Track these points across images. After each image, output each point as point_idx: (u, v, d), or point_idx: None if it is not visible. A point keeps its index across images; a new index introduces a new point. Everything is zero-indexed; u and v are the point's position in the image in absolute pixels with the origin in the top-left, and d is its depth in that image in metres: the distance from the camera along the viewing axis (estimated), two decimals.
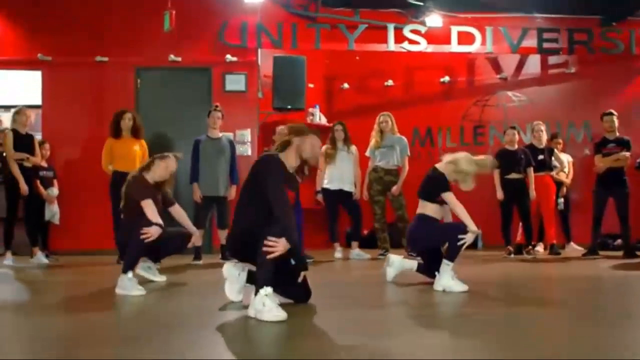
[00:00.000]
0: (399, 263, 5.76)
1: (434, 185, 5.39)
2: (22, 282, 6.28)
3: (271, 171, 3.99)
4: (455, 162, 5.38)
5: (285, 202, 3.93)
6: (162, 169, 5.68)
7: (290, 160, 4.17)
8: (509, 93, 10.89)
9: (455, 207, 5.28)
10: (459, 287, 5.05)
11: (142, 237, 5.11)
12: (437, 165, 5.46)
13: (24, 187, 7.74)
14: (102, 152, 7.98)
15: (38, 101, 9.47)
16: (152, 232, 5.14)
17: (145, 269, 5.79)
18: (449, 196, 5.30)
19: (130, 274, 5.02)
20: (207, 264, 7.73)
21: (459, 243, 5.13)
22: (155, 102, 9.44)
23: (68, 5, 9.48)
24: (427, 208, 5.42)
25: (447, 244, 5.26)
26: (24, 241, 8.10)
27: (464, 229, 5.13)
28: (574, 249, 9.56)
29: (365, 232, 9.47)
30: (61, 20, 9.42)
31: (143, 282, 5.42)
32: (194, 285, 5.72)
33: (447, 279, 5.11)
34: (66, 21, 9.42)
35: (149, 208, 5.30)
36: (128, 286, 4.96)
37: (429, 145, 10.88)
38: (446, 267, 5.14)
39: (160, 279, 5.80)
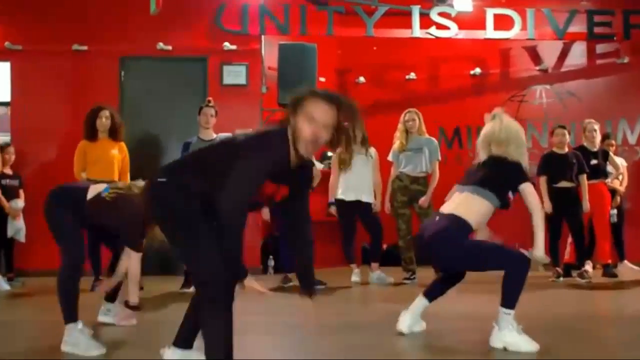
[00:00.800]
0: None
1: (512, 173, 4.04)
2: None
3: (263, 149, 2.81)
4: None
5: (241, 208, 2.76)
6: None
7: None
8: (550, 87, 9.56)
9: (536, 209, 4.02)
10: (527, 345, 3.72)
11: None
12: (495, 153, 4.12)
13: None
14: (74, 157, 6.82)
15: (6, 97, 8.38)
16: None
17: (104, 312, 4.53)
18: (529, 189, 4.01)
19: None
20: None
21: (520, 279, 3.79)
22: (142, 97, 8.41)
23: None
24: (473, 209, 3.95)
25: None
26: None
27: (524, 260, 3.80)
28: (629, 268, 8.31)
29: (385, 246, 8.16)
30: (34, 4, 8.32)
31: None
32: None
33: (512, 334, 3.78)
34: (39, 4, 8.31)
35: None
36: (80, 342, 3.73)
37: (457, 147, 9.64)
38: (506, 316, 3.80)
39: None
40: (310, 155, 2.93)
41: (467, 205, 3.96)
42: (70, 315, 3.82)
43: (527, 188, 3.99)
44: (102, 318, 4.53)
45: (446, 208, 4.04)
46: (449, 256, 3.94)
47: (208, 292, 2.73)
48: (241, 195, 2.73)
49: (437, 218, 4.02)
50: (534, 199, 4.03)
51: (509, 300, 3.79)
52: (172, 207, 2.84)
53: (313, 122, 2.81)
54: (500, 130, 4.16)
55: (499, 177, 4.03)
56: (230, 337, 2.75)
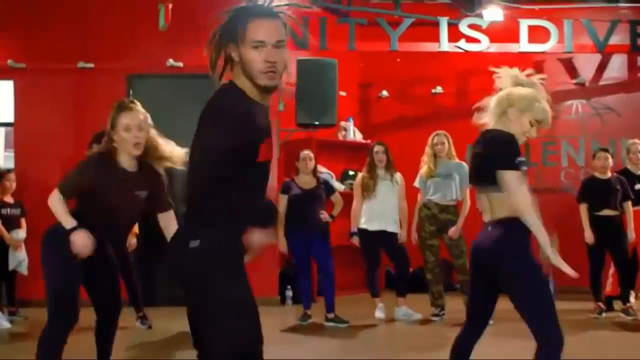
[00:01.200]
0: None
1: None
2: None
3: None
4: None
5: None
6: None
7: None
8: (587, 101, 9.00)
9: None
10: None
11: None
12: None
13: None
14: None
15: (9, 117, 8.04)
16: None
17: None
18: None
19: None
20: None
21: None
22: (152, 116, 7.76)
23: (44, 3, 8.02)
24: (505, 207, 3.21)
25: None
26: None
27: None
28: None
29: (411, 269, 7.65)
30: (37, 20, 7.96)
31: None
32: None
33: None
34: (43, 21, 7.95)
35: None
36: None
37: None
38: None
39: None
40: (276, 83, 2.44)
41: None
42: None
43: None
44: None
45: None
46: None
47: None
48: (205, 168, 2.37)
49: None
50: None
51: None
52: None
53: (261, 45, 2.38)
54: None
55: None
56: None
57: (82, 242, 3.45)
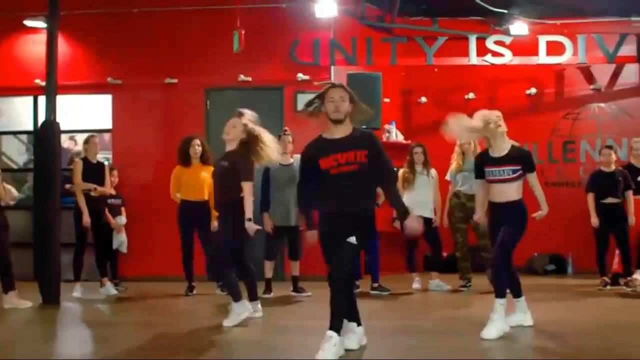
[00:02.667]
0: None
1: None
2: (90, 327, 6.06)
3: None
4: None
5: None
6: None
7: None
8: (603, 105, 10.05)
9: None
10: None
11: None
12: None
13: (86, 220, 7.65)
14: (171, 180, 7.78)
15: (109, 125, 9.44)
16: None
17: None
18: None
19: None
20: (277, 298, 7.40)
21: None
22: (225, 123, 9.07)
23: (136, 28, 9.35)
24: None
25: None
26: (95, 267, 8.10)
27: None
28: None
29: (445, 254, 8.84)
30: (130, 42, 9.33)
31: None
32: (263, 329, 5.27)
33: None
34: (135, 43, 9.32)
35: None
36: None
37: None
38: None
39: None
40: (339, 117, 4.21)
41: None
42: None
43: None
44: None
45: None
46: None
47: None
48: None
49: None
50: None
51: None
52: None
53: (333, 100, 4.22)
54: None
55: None
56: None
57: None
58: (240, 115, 5.93)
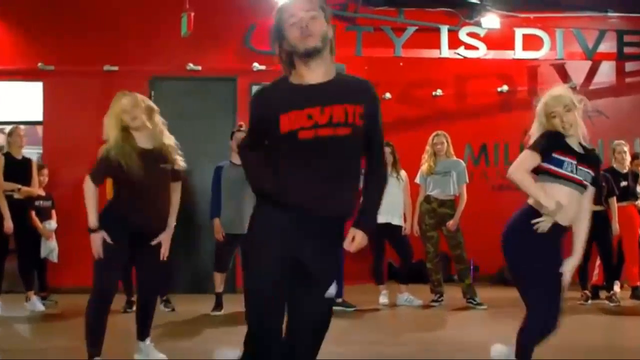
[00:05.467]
0: None
1: None
2: (4, 356, 5.10)
3: None
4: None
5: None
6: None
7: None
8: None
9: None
10: None
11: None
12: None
13: (8, 225, 6.72)
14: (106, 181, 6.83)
15: (39, 116, 8.49)
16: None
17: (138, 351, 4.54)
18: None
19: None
20: (228, 316, 6.59)
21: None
22: (172, 118, 7.87)
23: (72, 9, 8.46)
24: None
25: None
26: (19, 277, 7.17)
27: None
28: None
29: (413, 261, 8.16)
30: (65, 25, 8.42)
31: None
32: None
33: None
34: (71, 26, 8.42)
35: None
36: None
37: (483, 164, 9.59)
38: None
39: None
40: (313, 44, 2.57)
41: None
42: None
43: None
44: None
45: None
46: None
47: None
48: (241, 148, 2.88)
49: None
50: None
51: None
52: None
53: (292, 17, 2.60)
54: None
55: None
56: None
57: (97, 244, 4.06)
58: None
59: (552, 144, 3.59)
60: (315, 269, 2.61)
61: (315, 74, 2.60)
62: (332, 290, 2.62)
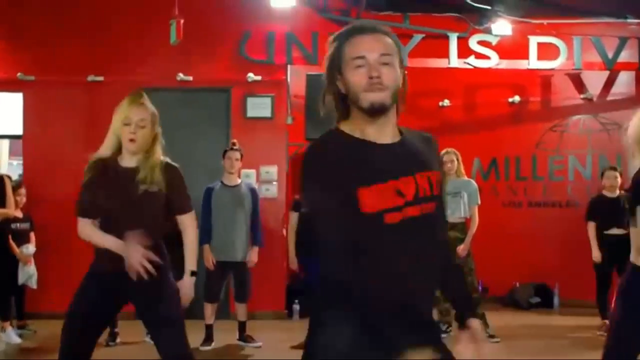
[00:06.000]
0: None
1: None
2: None
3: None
4: None
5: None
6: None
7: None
8: (595, 116, 8.99)
9: None
10: None
11: None
12: None
13: None
14: None
15: (18, 130, 7.97)
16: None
17: None
18: None
19: None
20: (219, 350, 6.16)
21: None
22: (162, 130, 7.78)
23: (55, 15, 7.94)
24: None
25: None
26: None
27: None
28: None
29: None
30: (47, 33, 7.90)
31: None
32: None
33: None
34: (53, 34, 7.89)
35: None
36: None
37: (493, 178, 9.13)
38: None
39: None
40: (382, 98, 2.00)
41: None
42: None
43: None
44: None
45: None
46: None
47: None
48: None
49: None
50: None
51: None
52: None
53: (364, 62, 2.01)
54: None
55: None
56: None
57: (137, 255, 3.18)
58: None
59: None
60: None
61: (382, 132, 2.05)
62: None
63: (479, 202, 6.83)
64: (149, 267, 3.16)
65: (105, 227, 3.38)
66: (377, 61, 2.00)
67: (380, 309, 1.91)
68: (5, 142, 9.59)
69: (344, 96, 2.04)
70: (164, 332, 3.39)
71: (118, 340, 6.41)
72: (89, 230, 3.38)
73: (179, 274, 3.51)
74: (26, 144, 7.96)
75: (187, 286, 3.48)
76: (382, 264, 1.95)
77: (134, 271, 3.16)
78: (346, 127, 2.06)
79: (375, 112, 2.00)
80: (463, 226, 6.74)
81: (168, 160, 3.49)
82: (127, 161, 3.41)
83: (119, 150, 3.43)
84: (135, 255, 3.16)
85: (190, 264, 3.51)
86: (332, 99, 2.08)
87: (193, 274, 3.52)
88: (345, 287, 1.92)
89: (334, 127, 2.10)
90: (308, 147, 2.07)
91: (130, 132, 3.32)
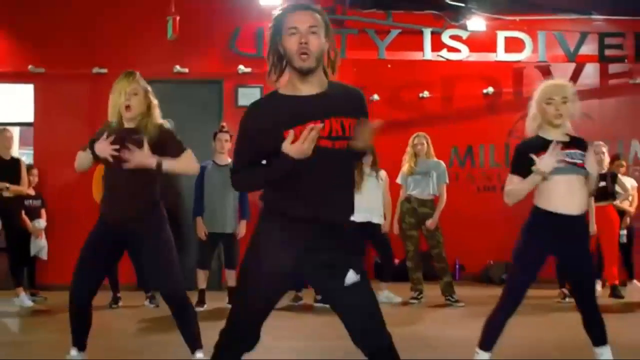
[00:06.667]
0: None
1: None
2: None
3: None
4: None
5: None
6: None
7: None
8: None
9: None
10: None
11: None
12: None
13: None
14: (93, 182, 7.00)
15: (30, 118, 8.66)
16: None
17: None
18: None
19: None
20: (213, 311, 6.70)
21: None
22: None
23: (62, 13, 8.61)
24: None
25: None
26: (9, 275, 7.34)
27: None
28: (638, 288, 8.33)
29: (397, 261, 8.27)
30: (55, 28, 8.58)
31: None
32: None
33: None
34: (60, 30, 8.57)
35: None
36: None
37: (469, 165, 9.69)
38: None
39: None
40: (309, 65, 2.62)
41: None
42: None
43: None
44: None
45: None
46: None
47: None
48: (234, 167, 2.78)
49: None
50: None
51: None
52: None
53: (296, 31, 2.61)
54: None
55: None
56: None
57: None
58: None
59: (524, 160, 3.72)
60: (337, 272, 2.64)
61: (310, 85, 2.66)
62: (353, 276, 2.62)
63: (447, 181, 7.46)
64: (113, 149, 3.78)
65: (108, 173, 4.06)
66: (306, 31, 2.59)
67: (299, 218, 2.62)
68: (16, 132, 10.23)
69: (282, 56, 2.67)
70: (161, 272, 3.96)
71: (120, 303, 7.06)
72: (82, 156, 4.07)
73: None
74: (37, 130, 8.63)
75: (143, 153, 3.78)
76: (303, 183, 2.61)
77: (107, 156, 3.81)
78: (282, 88, 2.70)
79: (303, 72, 2.63)
80: (432, 203, 7.38)
81: (164, 123, 4.12)
82: (127, 125, 3.99)
83: (121, 119, 4.04)
84: (100, 146, 3.86)
85: (165, 163, 3.85)
86: (273, 57, 2.69)
87: (158, 164, 3.82)
88: (275, 203, 2.67)
89: (273, 91, 2.74)
90: (246, 108, 2.74)
91: (125, 100, 3.96)
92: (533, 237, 3.74)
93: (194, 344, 3.98)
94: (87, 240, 4.00)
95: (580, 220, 3.76)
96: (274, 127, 2.58)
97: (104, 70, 8.46)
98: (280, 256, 2.62)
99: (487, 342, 3.79)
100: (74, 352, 4.03)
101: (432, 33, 8.90)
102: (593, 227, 7.45)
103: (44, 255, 7.69)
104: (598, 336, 3.78)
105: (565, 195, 3.65)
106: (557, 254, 3.83)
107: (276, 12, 2.70)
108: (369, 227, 7.29)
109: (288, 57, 2.63)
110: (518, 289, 3.77)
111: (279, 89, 2.70)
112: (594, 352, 3.84)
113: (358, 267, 2.62)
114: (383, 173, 7.51)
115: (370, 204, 7.26)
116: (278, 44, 2.66)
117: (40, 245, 7.63)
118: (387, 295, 7.37)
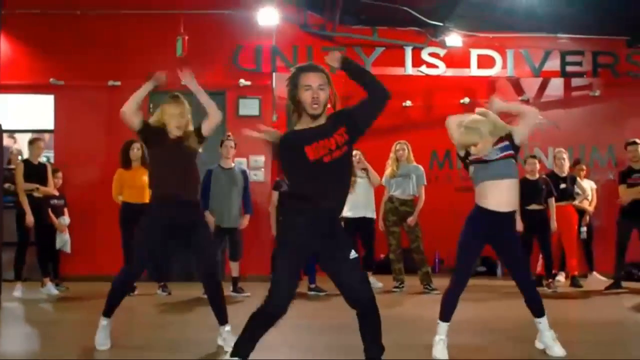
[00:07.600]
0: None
1: None
2: (33, 325, 6.20)
3: None
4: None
5: None
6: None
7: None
8: None
9: None
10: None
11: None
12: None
13: (29, 219, 7.77)
14: (113, 183, 7.89)
15: (51, 125, 9.50)
16: None
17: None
18: None
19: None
20: None
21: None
22: None
23: (81, 29, 9.43)
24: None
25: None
26: (36, 266, 8.14)
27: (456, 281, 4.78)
28: (597, 279, 9.26)
29: (382, 256, 9.22)
30: (73, 44, 9.40)
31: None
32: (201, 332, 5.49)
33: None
34: (79, 46, 9.40)
35: None
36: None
37: (447, 168, 10.59)
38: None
39: None
40: (319, 111, 3.53)
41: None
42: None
43: None
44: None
45: None
46: None
47: None
48: None
49: None
50: None
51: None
52: None
53: (310, 88, 3.50)
54: None
55: None
56: None
57: None
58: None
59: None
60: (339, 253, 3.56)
61: (317, 121, 3.58)
62: (353, 254, 3.55)
63: (425, 183, 8.36)
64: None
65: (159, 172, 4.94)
66: (317, 88, 3.54)
67: (316, 211, 3.54)
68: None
69: (298, 104, 3.60)
70: (204, 253, 4.73)
71: (136, 292, 7.90)
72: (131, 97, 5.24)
73: None
74: (57, 137, 9.46)
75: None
76: (321, 185, 3.52)
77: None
78: (297, 125, 3.63)
79: (315, 116, 3.58)
80: (412, 202, 8.29)
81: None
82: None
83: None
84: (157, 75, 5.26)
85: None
86: (292, 105, 3.62)
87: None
88: (300, 198, 3.61)
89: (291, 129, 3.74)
90: (280, 139, 3.67)
91: (176, 122, 5.16)
92: (473, 228, 4.60)
93: (225, 318, 4.72)
94: (145, 226, 4.79)
95: (510, 216, 4.62)
96: (297, 145, 3.53)
97: (118, 83, 9.30)
98: (308, 233, 3.51)
99: (445, 314, 4.65)
100: (104, 321, 4.83)
101: (413, 49, 9.76)
102: (554, 225, 8.39)
103: (68, 249, 8.57)
104: (536, 309, 4.67)
105: (497, 196, 4.54)
106: (492, 242, 4.65)
107: (293, 70, 3.66)
108: (365, 221, 8.20)
109: (303, 106, 3.58)
110: (464, 269, 4.62)
111: (295, 127, 3.66)
112: (534, 322, 4.72)
113: (355, 248, 3.59)
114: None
115: (363, 200, 8.18)
116: (296, 95, 3.59)
117: (64, 239, 8.52)
118: (371, 281, 8.24)
